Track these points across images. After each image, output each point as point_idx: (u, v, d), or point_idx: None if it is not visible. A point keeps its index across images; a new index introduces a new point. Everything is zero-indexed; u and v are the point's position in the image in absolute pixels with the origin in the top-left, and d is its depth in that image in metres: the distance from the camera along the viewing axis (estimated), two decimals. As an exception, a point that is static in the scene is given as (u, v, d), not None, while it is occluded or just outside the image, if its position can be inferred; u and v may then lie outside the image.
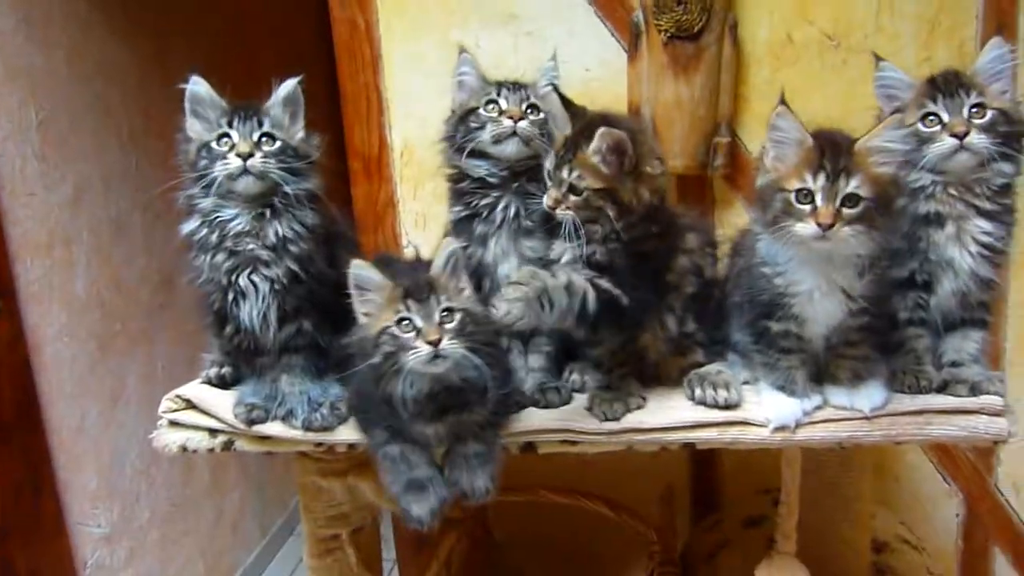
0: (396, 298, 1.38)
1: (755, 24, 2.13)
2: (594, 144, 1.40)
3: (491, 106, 1.58)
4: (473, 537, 2.26)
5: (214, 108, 1.50)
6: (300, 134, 1.55)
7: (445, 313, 1.38)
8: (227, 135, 1.48)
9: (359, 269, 1.40)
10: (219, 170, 1.46)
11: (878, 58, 1.53)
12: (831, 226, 1.27)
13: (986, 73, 1.46)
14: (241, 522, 3.61)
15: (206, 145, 1.48)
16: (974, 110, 1.42)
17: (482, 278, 1.58)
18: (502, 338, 1.55)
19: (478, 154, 1.58)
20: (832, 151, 1.31)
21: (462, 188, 1.63)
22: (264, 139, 1.49)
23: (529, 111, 1.58)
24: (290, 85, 1.54)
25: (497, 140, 1.55)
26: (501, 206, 1.58)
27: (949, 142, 1.41)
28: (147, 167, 2.97)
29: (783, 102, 1.36)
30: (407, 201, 2.32)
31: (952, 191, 1.44)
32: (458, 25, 2.21)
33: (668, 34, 2.05)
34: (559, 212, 1.42)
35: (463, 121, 1.60)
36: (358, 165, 2.31)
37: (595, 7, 2.16)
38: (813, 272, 1.35)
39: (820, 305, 1.37)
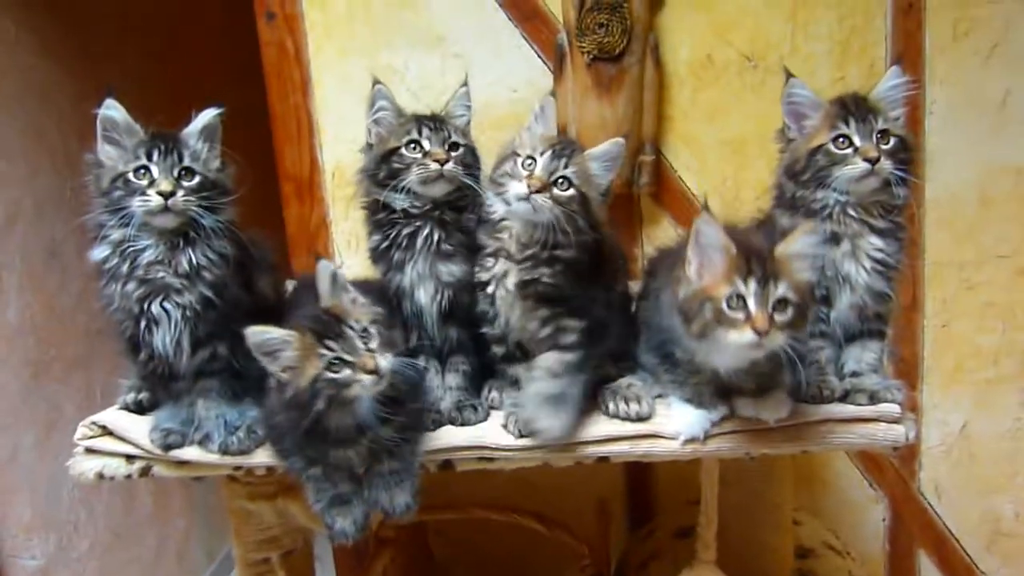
0: (313, 345, 1.36)
1: (676, 45, 2.19)
2: (602, 149, 1.48)
3: (413, 147, 1.55)
4: (411, 556, 2.26)
5: (130, 135, 1.48)
6: (216, 164, 1.53)
7: (364, 335, 1.38)
8: (146, 168, 1.45)
9: (258, 335, 1.36)
10: (138, 206, 1.43)
11: (789, 74, 1.57)
12: (767, 331, 1.25)
13: (885, 99, 1.51)
14: (186, 550, 3.55)
15: (122, 176, 1.45)
16: (879, 135, 1.46)
17: (401, 302, 1.59)
18: (420, 357, 1.56)
19: (402, 189, 1.55)
20: (757, 256, 1.29)
21: (380, 219, 1.60)
22: (184, 174, 1.47)
23: (451, 150, 1.56)
24: (208, 116, 1.52)
25: (424, 182, 1.53)
26: (423, 235, 1.57)
27: (862, 166, 1.45)
28: (82, 192, 2.93)
29: (706, 208, 1.33)
30: (339, 222, 2.33)
31: (851, 211, 1.48)
32: (386, 47, 2.25)
33: (591, 56, 2.10)
34: (538, 199, 1.41)
35: (386, 160, 1.57)
36: (290, 187, 2.33)
37: (521, 29, 2.21)
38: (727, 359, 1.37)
39: (727, 356, 1.37)
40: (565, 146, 1.47)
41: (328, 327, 1.37)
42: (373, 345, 1.38)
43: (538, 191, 1.41)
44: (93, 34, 3.06)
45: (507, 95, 2.24)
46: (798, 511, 2.17)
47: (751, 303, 1.27)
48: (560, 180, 1.44)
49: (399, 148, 1.56)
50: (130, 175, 1.45)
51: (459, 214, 1.59)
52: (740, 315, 1.27)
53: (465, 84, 1.67)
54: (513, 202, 1.44)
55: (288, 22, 2.23)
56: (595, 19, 2.07)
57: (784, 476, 1.85)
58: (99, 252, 1.48)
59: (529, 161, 1.45)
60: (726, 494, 1.70)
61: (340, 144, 2.29)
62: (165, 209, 1.43)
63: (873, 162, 1.44)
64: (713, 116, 2.21)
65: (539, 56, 2.22)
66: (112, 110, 1.48)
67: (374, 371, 1.34)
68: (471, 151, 1.61)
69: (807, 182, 1.49)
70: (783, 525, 1.90)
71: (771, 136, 1.64)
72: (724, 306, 1.28)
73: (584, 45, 2.10)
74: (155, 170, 1.45)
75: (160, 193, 1.43)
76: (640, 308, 1.59)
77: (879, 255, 1.48)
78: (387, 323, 1.45)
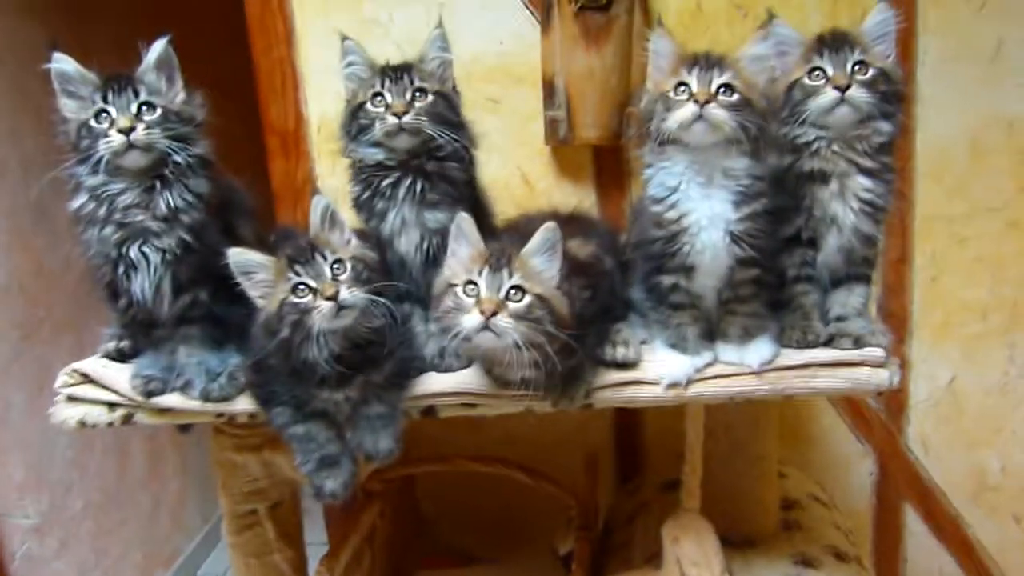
0: (283, 268, 1.38)
1: (665, -6, 2.16)
2: (537, 241, 1.34)
3: (377, 99, 1.53)
4: (399, 510, 2.27)
5: (85, 84, 1.46)
6: (180, 96, 1.50)
7: (336, 266, 1.38)
8: (104, 111, 1.43)
9: (237, 256, 1.38)
10: (103, 149, 1.42)
11: (771, 15, 1.55)
12: (706, 103, 1.33)
13: (871, 35, 1.49)
14: (180, 510, 3.58)
15: (85, 124, 1.44)
16: (857, 67, 1.44)
17: (384, 250, 1.57)
18: (403, 304, 1.56)
19: (374, 143, 1.54)
20: (705, 55, 1.39)
21: (361, 170, 1.59)
22: (144, 108, 1.44)
23: (417, 96, 1.52)
24: (159, 46, 1.49)
25: (387, 135, 1.51)
26: (405, 184, 1.54)
27: (831, 94, 1.43)
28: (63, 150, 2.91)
29: (660, 24, 1.45)
30: (326, 177, 2.30)
31: (835, 148, 1.46)
32: (370, -1, 2.21)
33: (578, 5, 2.06)
34: (500, 323, 1.29)
35: (355, 116, 1.56)
36: (275, 141, 2.30)
37: (507, -21, 2.18)
38: (695, 193, 1.39)
39: (706, 239, 1.38)
40: (500, 255, 1.35)
41: (302, 253, 1.38)
42: (342, 277, 1.38)
43: (493, 314, 1.29)
44: (79, -5, 3.02)
45: (494, 47, 2.21)
46: (785, 465, 2.18)
47: (693, 85, 1.35)
48: (512, 291, 1.32)
49: (365, 103, 1.54)
50: (91, 121, 1.43)
51: (442, 162, 1.56)
52: (684, 96, 1.35)
53: (439, 26, 1.62)
54: (473, 336, 1.31)
55: (271, -28, 2.19)
56: (582, -33, 2.04)
57: (769, 427, 1.86)
58: (76, 201, 1.47)
59: (471, 287, 1.34)
60: (711, 445, 1.71)
61: (325, 97, 2.26)
62: (129, 147, 1.42)
63: (842, 90, 1.42)
64: (703, 67, 2.18)
65: (526, 7, 2.19)
66: (61, 63, 1.47)
67: (332, 298, 1.34)
68: (443, 97, 1.56)
69: (787, 119, 1.47)
70: (768, 476, 1.91)
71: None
72: (672, 93, 1.36)
73: (571, -6, 2.06)
74: (113, 111, 1.43)
75: (120, 131, 1.41)
76: (629, 252, 1.58)
77: (867, 196, 1.46)
78: (376, 267, 1.44)
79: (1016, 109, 2.16)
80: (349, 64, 1.60)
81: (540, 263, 1.36)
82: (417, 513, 2.40)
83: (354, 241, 1.46)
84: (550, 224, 1.35)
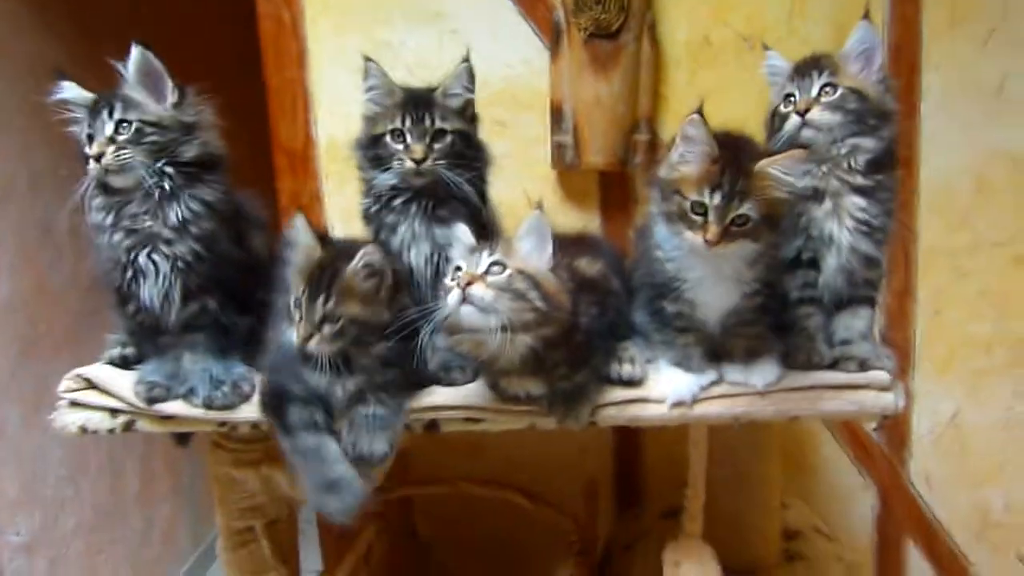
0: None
1: (674, 25, 2.19)
2: (523, 226, 1.36)
3: (397, 136, 1.53)
4: (396, 532, 2.24)
5: (81, 108, 1.48)
6: (168, 101, 1.49)
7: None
8: (90, 135, 1.45)
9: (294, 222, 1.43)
10: (89, 174, 1.45)
11: (765, 47, 1.60)
12: (717, 243, 1.30)
13: (851, 54, 1.48)
14: (173, 532, 3.53)
15: (81, 149, 1.47)
16: (826, 88, 1.45)
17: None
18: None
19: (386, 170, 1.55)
20: (733, 170, 1.31)
21: (373, 187, 1.59)
22: (121, 126, 1.44)
23: (435, 140, 1.52)
24: (135, 55, 1.47)
25: (404, 175, 1.52)
26: (416, 203, 1.55)
27: (794, 119, 1.45)
28: (76, 168, 2.93)
29: (699, 111, 1.36)
30: (333, 196, 2.32)
31: (823, 168, 1.46)
32: (383, 22, 2.24)
33: (587, 32, 2.10)
34: (475, 292, 1.30)
35: (373, 144, 1.56)
36: (283, 160, 2.32)
37: (518, 6, 2.21)
38: (702, 263, 1.38)
39: (712, 292, 1.39)
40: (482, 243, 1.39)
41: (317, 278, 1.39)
42: (326, 331, 1.38)
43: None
44: (93, 15, 3.05)
45: (503, 72, 2.24)
46: (786, 495, 2.16)
47: (711, 215, 1.31)
48: (492, 267, 1.34)
49: (385, 135, 1.54)
50: (85, 147, 1.45)
51: (453, 186, 1.56)
52: (699, 220, 1.32)
53: (466, 60, 1.59)
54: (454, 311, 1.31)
55: (286, -6, 2.23)
56: (592, -4, 2.08)
57: (771, 454, 1.85)
58: (89, 216, 1.49)
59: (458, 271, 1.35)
60: (713, 471, 1.69)
61: (334, 118, 2.28)
62: (106, 171, 1.43)
63: (802, 113, 1.44)
64: (709, 96, 2.14)
65: (535, 33, 2.22)
66: (64, 91, 1.50)
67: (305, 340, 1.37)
68: (463, 136, 1.56)
69: (771, 145, 1.48)
70: (770, 504, 1.89)
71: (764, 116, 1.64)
72: (688, 207, 1.32)
73: (580, 22, 2.09)
74: (95, 136, 1.44)
75: (93, 157, 1.43)
76: (632, 273, 1.58)
77: (861, 215, 1.46)
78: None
79: (1021, 144, 2.18)
80: (370, 88, 1.59)
81: (527, 246, 1.36)
82: (414, 536, 2.37)
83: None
84: (536, 212, 1.36)
